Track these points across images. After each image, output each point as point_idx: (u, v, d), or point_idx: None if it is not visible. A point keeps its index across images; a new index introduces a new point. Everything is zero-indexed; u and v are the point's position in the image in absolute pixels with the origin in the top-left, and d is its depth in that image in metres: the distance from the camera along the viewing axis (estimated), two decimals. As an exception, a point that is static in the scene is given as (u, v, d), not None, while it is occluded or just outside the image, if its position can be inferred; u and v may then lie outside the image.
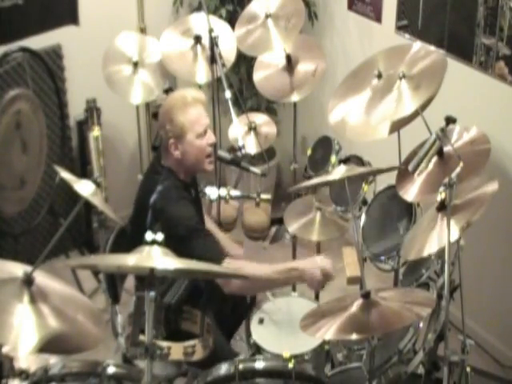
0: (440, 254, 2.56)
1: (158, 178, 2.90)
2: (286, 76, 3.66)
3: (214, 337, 2.77)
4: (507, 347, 3.72)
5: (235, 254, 3.21)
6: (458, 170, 2.44)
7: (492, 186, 2.46)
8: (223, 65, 3.36)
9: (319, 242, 3.57)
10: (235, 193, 3.34)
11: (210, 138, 2.96)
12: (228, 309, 3.15)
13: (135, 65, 3.80)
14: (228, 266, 2.76)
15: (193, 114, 2.89)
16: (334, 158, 3.62)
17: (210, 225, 3.30)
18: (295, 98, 3.64)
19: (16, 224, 4.11)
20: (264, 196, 3.36)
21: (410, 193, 2.87)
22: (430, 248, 2.42)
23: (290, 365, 2.51)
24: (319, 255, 3.17)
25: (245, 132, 3.64)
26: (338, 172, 2.66)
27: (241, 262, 3.00)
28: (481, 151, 2.79)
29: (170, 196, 2.86)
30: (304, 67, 3.65)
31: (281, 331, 2.92)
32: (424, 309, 2.27)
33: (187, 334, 2.70)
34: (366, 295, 2.28)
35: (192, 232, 2.80)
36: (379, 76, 3.00)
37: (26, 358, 2.56)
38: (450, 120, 2.77)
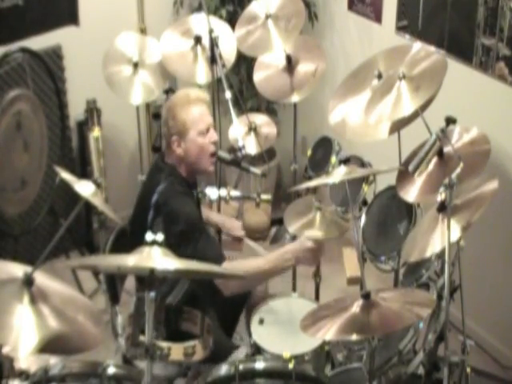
0: (440, 254, 2.56)
1: (160, 177, 2.93)
2: (286, 76, 3.66)
3: (213, 336, 2.77)
4: (507, 347, 3.71)
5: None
6: (458, 170, 2.44)
7: (492, 185, 2.46)
8: (223, 65, 3.36)
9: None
10: (235, 193, 3.35)
11: (213, 136, 3.01)
12: (228, 301, 3.17)
13: (135, 65, 3.81)
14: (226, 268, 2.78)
15: (195, 112, 2.95)
16: (334, 159, 3.62)
17: (207, 212, 3.34)
18: (295, 98, 3.63)
19: (16, 224, 4.11)
20: (264, 196, 3.35)
21: (411, 194, 2.87)
22: (432, 249, 2.42)
23: (290, 365, 2.52)
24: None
25: (245, 132, 3.63)
26: (338, 173, 2.66)
27: (235, 263, 3.03)
28: (481, 152, 2.79)
29: (173, 190, 2.89)
30: (304, 68, 3.65)
31: (281, 332, 2.91)
32: (424, 309, 2.27)
33: (187, 335, 2.70)
34: (367, 296, 2.28)
35: (192, 229, 2.81)
36: (379, 76, 3.00)
37: (26, 359, 2.57)
38: (450, 120, 2.76)
